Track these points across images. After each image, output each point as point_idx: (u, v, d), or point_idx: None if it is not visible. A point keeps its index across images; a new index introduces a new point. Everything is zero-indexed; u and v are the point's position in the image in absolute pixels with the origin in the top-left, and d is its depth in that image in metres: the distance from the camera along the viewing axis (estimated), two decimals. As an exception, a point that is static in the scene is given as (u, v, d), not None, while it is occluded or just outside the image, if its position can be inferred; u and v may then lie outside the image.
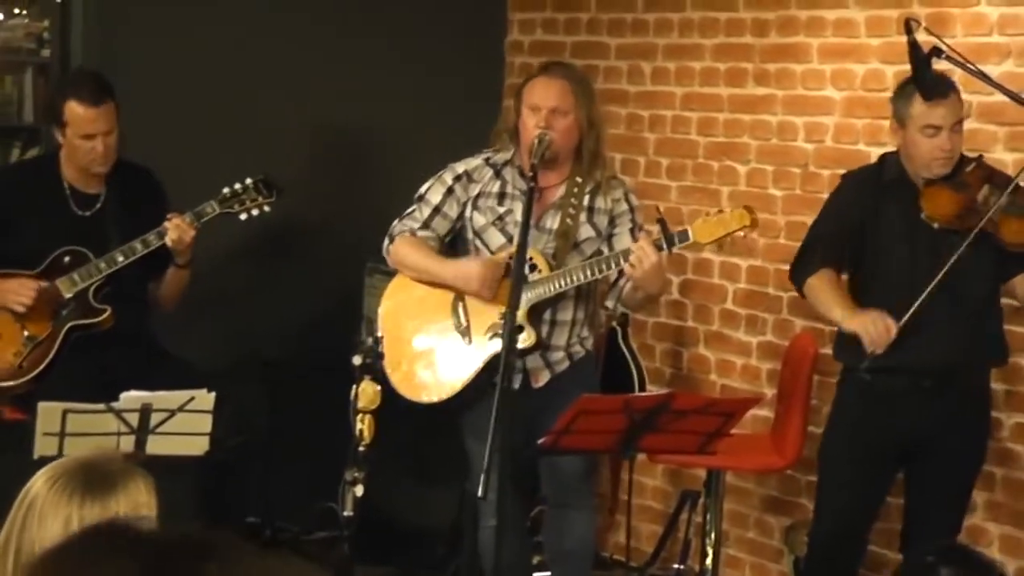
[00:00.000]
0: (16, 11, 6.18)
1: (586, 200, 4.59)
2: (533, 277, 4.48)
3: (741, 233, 4.43)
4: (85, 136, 4.84)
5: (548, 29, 6.31)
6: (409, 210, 4.71)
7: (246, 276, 5.90)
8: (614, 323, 5.76)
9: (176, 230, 4.83)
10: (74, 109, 4.84)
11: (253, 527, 5.78)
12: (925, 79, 4.32)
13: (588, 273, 4.49)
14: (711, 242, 4.49)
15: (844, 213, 4.58)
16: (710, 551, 5.08)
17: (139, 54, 5.59)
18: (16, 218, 4.92)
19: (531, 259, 4.47)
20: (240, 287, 5.87)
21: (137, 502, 2.62)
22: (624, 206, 4.63)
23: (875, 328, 4.34)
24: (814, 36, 5.37)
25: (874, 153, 5.10)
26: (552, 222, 4.57)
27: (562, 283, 4.50)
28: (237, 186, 5.00)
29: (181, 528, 1.74)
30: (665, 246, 4.39)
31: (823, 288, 4.56)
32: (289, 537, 5.85)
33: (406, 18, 6.16)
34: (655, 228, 4.46)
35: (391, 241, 4.71)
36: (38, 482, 2.64)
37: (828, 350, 4.95)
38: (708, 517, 5.16)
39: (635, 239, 4.51)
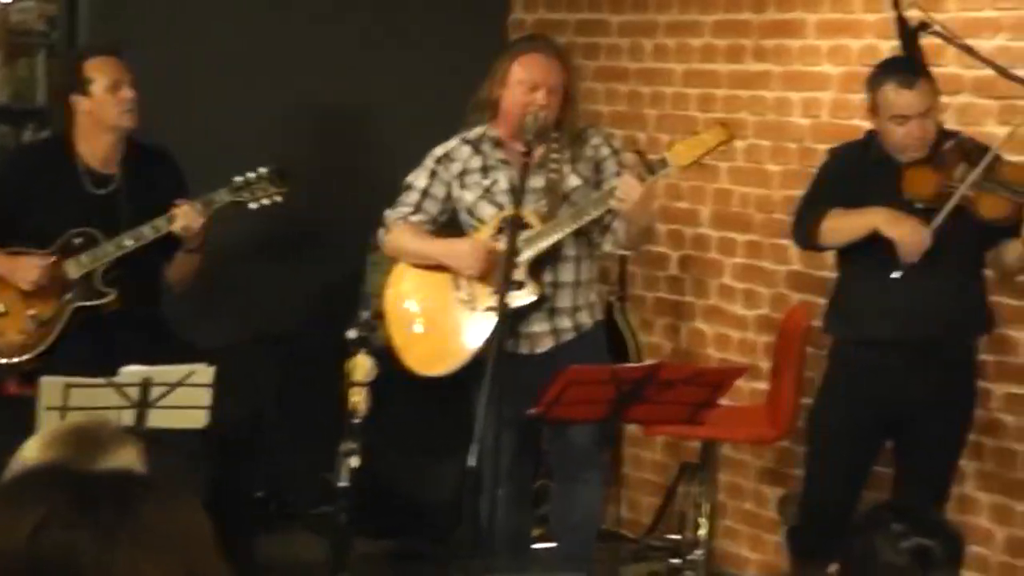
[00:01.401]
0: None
1: (567, 153, 4.68)
2: (527, 234, 4.56)
3: (719, 149, 4.55)
4: (113, 86, 4.88)
5: (551, 7, 6.37)
6: (399, 199, 4.82)
7: (251, 255, 5.96)
8: (611, 298, 5.83)
9: (184, 218, 4.85)
10: (97, 63, 4.92)
11: (259, 502, 5.87)
12: (910, 55, 4.37)
13: (579, 218, 4.58)
14: (691, 163, 4.58)
15: (834, 183, 4.64)
16: (705, 522, 5.15)
17: (145, 38, 5.64)
18: (30, 197, 4.95)
19: (522, 219, 4.56)
20: (245, 266, 5.93)
21: (124, 467, 2.70)
22: (606, 150, 4.74)
23: (912, 237, 4.37)
24: (811, 12, 5.42)
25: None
26: (537, 181, 4.65)
27: (556, 233, 4.59)
28: (250, 175, 5.00)
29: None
30: (647, 176, 4.51)
31: (843, 214, 4.53)
32: (294, 511, 5.94)
33: (408, -2, 6.24)
34: (634, 157, 4.58)
35: (387, 231, 4.82)
36: (31, 446, 2.73)
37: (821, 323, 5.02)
38: (703, 489, 5.23)
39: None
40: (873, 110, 4.51)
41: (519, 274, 4.55)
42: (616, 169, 4.70)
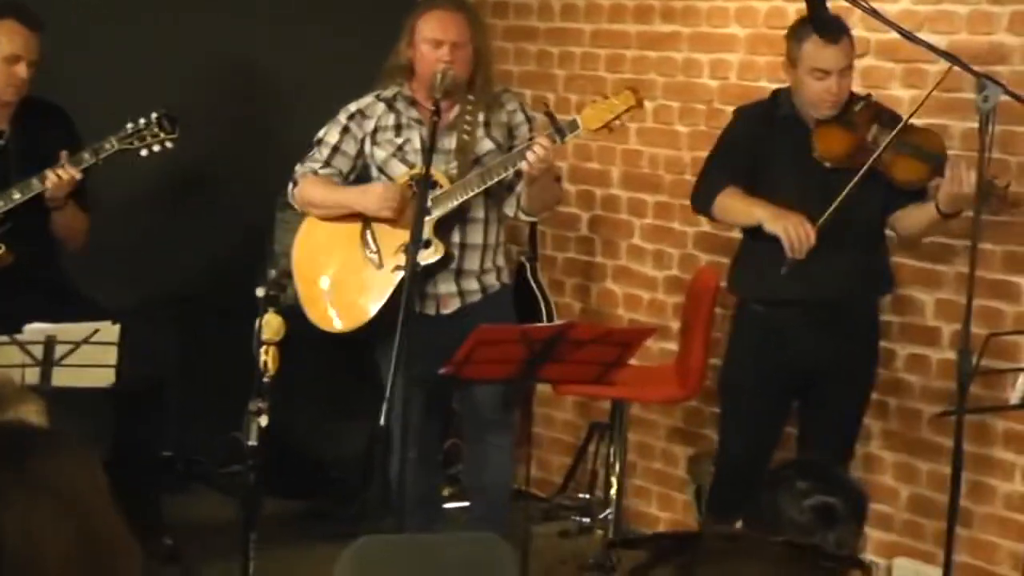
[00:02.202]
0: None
1: (481, 116, 4.69)
2: (435, 193, 4.56)
3: (628, 114, 4.56)
4: (12, 57, 4.81)
5: (460, -34, 6.33)
6: (309, 154, 4.81)
7: (159, 214, 5.90)
8: (523, 259, 5.84)
9: (56, 178, 4.75)
10: (12, 27, 4.82)
11: (167, 461, 5.83)
12: (820, 17, 4.39)
13: (487, 178, 4.59)
14: (601, 127, 4.58)
15: (739, 144, 4.66)
16: (615, 481, 5.18)
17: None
18: None
19: (432, 178, 4.56)
20: (153, 225, 5.87)
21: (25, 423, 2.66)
22: (521, 116, 4.77)
23: (796, 232, 4.38)
24: (720, -27, 5.44)
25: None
26: (449, 142, 4.66)
27: (464, 193, 4.59)
28: (141, 121, 4.94)
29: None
30: (557, 138, 4.50)
31: (737, 197, 4.56)
32: (203, 471, 5.91)
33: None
34: (544, 119, 4.57)
35: (295, 185, 4.81)
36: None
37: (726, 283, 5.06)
38: (613, 448, 5.26)
39: None
40: (792, 62, 4.53)
41: (425, 232, 4.55)
42: (530, 136, 4.70)
